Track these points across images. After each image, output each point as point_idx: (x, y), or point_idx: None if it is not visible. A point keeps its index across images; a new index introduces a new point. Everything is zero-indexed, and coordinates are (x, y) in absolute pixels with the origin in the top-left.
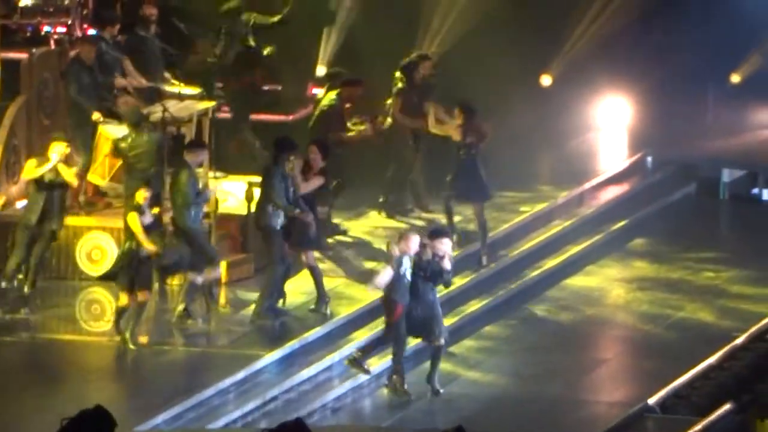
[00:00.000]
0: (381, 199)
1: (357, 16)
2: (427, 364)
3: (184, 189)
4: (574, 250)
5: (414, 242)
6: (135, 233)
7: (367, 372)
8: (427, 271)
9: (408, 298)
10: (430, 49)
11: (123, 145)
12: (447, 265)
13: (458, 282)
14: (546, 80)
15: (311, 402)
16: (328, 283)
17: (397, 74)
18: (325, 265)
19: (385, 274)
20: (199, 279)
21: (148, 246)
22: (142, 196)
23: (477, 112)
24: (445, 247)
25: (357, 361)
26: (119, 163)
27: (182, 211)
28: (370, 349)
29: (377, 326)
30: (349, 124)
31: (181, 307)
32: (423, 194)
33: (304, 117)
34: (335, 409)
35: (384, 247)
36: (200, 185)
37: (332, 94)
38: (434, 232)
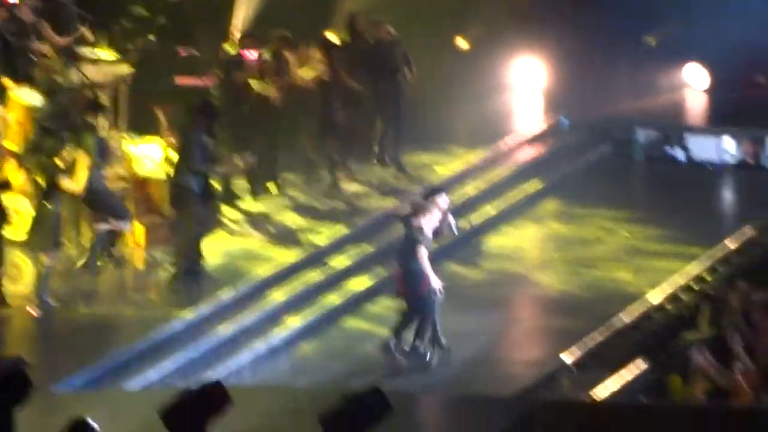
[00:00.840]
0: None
1: None
2: None
3: (89, 151)
4: (490, 210)
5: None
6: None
7: (404, 359)
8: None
9: None
10: (347, 10)
11: (36, 114)
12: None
13: (373, 242)
14: (462, 43)
15: (228, 362)
16: (245, 242)
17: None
18: (241, 227)
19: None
20: (104, 226)
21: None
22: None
23: None
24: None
25: (391, 348)
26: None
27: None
28: (401, 330)
29: (295, 287)
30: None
31: (82, 261)
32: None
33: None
34: (252, 370)
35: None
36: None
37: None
38: (434, 192)
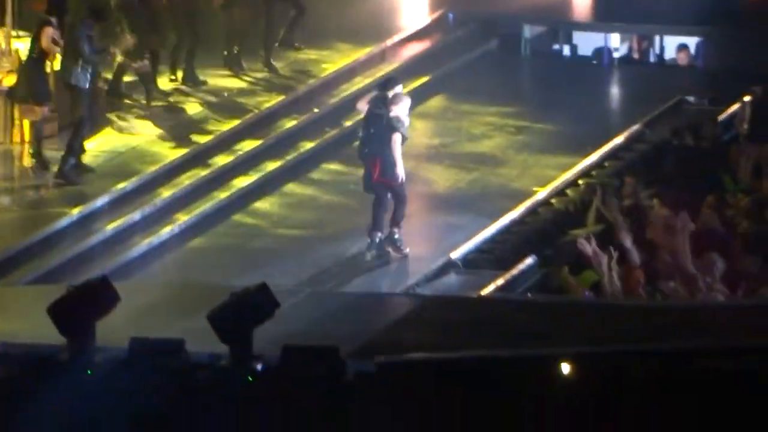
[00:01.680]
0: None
1: None
2: None
3: None
4: None
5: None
6: None
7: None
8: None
9: None
10: None
11: None
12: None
13: (263, 137)
14: None
15: (115, 258)
16: (133, 140)
17: None
18: (128, 123)
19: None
20: None
21: None
22: None
23: None
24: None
25: (397, 242)
26: None
27: None
28: (399, 219)
29: (180, 182)
30: None
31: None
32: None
33: None
34: (139, 266)
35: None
36: None
37: None
38: (394, 82)
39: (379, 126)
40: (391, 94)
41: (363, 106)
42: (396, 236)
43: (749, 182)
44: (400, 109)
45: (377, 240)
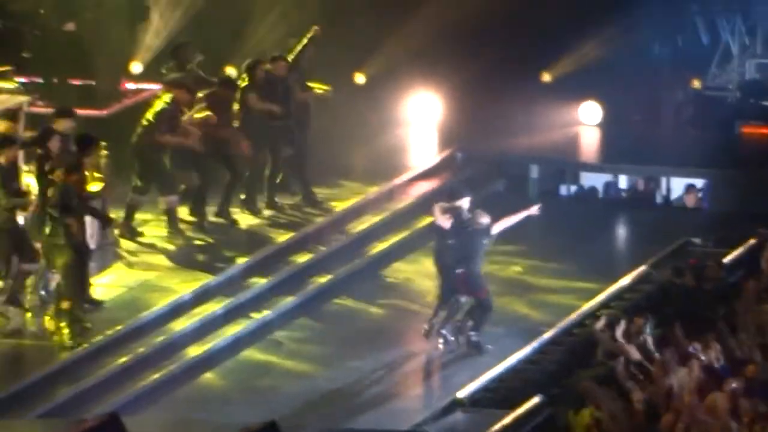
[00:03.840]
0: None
1: (174, 13)
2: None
3: None
4: (385, 245)
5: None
6: None
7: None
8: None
9: None
10: (250, 50)
11: None
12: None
13: (273, 274)
14: (360, 78)
15: (124, 392)
16: (144, 274)
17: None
18: (139, 258)
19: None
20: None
21: None
22: None
23: None
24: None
25: (479, 344)
26: None
27: None
28: (480, 325)
29: (192, 317)
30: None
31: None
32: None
33: (118, 111)
34: (150, 401)
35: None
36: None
37: (166, 97)
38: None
39: (463, 241)
40: (460, 203)
41: (443, 220)
42: (474, 340)
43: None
44: (483, 218)
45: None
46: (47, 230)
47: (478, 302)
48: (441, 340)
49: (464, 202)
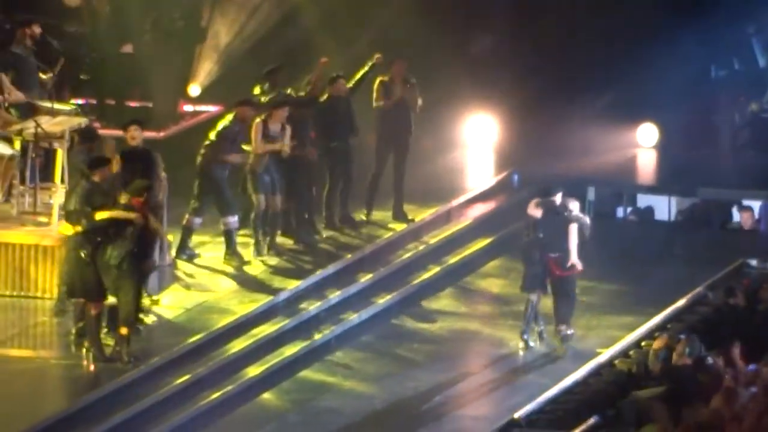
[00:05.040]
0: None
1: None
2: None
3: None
4: (442, 266)
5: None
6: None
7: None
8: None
9: None
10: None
11: None
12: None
13: (331, 294)
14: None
15: (181, 413)
16: (201, 296)
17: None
18: (196, 280)
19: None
20: None
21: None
22: None
23: None
24: None
25: (568, 337)
26: None
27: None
28: (567, 318)
29: (250, 338)
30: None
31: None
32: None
33: (175, 133)
34: (207, 422)
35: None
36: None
37: (229, 115)
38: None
39: (555, 227)
40: (557, 198)
41: (536, 211)
42: (563, 332)
43: None
44: (576, 207)
45: (564, 333)
46: (107, 253)
47: (565, 291)
48: (522, 345)
49: (557, 198)
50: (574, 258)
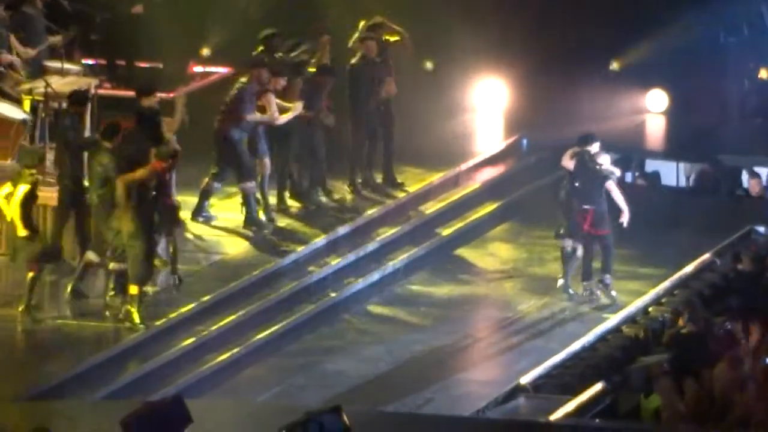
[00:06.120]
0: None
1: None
2: None
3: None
4: (450, 230)
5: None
6: None
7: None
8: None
9: None
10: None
11: None
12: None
13: (334, 261)
14: (428, 64)
15: (188, 375)
16: (212, 258)
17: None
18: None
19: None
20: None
21: None
22: None
23: None
24: None
25: (609, 286)
26: (6, 141)
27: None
28: (608, 267)
29: (257, 300)
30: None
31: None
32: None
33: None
34: (213, 384)
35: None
36: None
37: (243, 77)
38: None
39: (588, 179)
40: (592, 148)
41: (569, 162)
42: (607, 281)
43: None
44: (607, 161)
45: (588, 290)
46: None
47: (602, 243)
48: (570, 292)
49: (593, 147)
50: (626, 217)
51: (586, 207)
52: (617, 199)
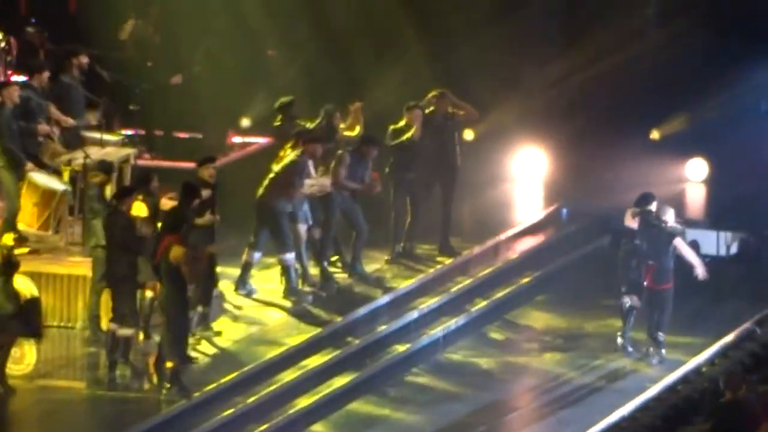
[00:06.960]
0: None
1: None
2: None
3: None
4: (491, 300)
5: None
6: None
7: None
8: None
9: None
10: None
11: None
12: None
13: (379, 329)
14: (468, 134)
15: None
16: (251, 328)
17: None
18: (244, 312)
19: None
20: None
21: None
22: None
23: None
24: None
25: (663, 343)
26: (48, 211)
27: None
28: (663, 324)
29: (298, 369)
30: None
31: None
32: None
33: (225, 165)
34: None
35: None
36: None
37: (297, 150)
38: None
39: (653, 236)
40: (652, 207)
41: (631, 221)
42: (660, 339)
43: None
44: (672, 217)
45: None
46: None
47: (661, 297)
48: (630, 349)
49: (653, 207)
50: (701, 270)
51: (651, 262)
52: (687, 254)
